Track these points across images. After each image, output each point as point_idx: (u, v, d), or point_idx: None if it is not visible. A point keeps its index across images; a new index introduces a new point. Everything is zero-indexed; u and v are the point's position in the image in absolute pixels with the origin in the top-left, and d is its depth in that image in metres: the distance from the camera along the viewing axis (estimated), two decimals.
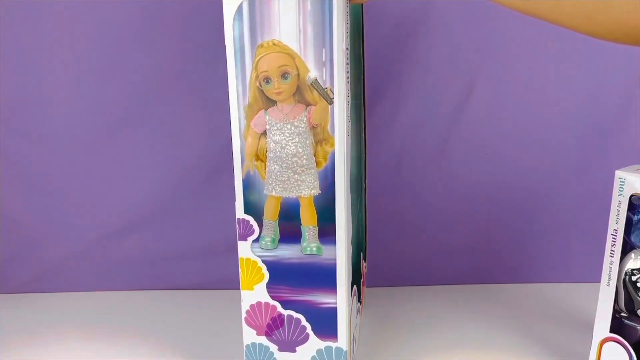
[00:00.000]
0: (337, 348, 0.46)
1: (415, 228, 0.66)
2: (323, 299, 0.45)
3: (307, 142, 0.41)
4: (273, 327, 0.46)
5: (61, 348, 0.54)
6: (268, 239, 0.44)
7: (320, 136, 0.41)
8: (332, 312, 0.45)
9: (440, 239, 0.66)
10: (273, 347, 0.47)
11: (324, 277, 0.44)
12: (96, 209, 0.65)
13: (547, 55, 0.61)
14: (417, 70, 0.61)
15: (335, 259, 0.44)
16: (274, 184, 0.42)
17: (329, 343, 0.46)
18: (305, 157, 0.42)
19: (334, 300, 0.45)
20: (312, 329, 0.46)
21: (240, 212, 0.44)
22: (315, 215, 0.43)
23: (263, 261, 0.45)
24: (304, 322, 0.46)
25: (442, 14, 0.60)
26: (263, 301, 0.46)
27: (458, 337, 0.55)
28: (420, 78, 0.62)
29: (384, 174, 0.64)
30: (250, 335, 0.47)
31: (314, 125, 0.41)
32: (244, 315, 0.46)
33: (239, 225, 0.44)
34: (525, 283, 0.67)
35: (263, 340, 0.47)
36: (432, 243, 0.67)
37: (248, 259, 0.45)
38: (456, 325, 0.58)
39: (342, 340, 0.46)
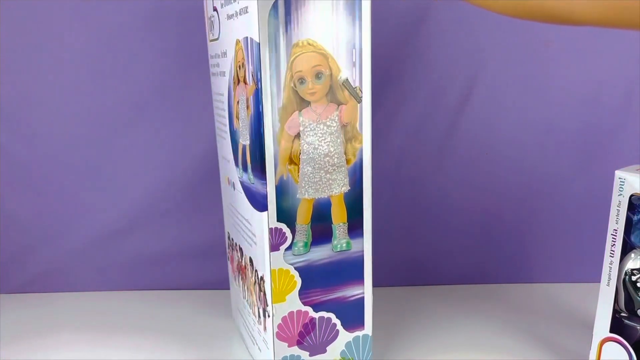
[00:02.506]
0: (364, 335, 0.47)
1: (414, 228, 0.66)
2: (352, 291, 0.45)
3: (338, 140, 0.42)
4: (304, 334, 0.45)
5: (61, 348, 0.54)
6: (301, 244, 0.43)
7: (350, 134, 0.42)
8: (360, 302, 0.46)
9: (440, 239, 0.67)
10: (304, 355, 0.45)
11: (353, 270, 0.45)
12: (96, 209, 0.65)
13: (547, 55, 0.61)
14: (417, 70, 0.61)
15: (362, 251, 0.44)
16: (306, 187, 0.42)
17: (357, 333, 0.47)
18: (336, 155, 0.42)
19: (361, 291, 0.45)
20: (341, 324, 0.46)
21: (273, 221, 0.41)
22: (345, 212, 0.43)
23: (295, 268, 0.43)
24: (334, 319, 0.46)
25: (442, 14, 0.60)
26: (295, 310, 0.44)
27: (457, 337, 0.55)
28: (420, 78, 0.62)
29: (383, 174, 0.64)
30: (281, 350, 0.45)
31: (345, 124, 0.41)
32: (275, 330, 0.44)
33: (272, 236, 0.42)
34: (525, 283, 0.67)
35: (294, 350, 0.45)
36: (432, 243, 0.67)
37: (280, 270, 0.43)
38: (455, 325, 0.58)
39: (368, 326, 0.47)
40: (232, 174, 0.48)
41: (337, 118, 0.41)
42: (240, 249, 0.49)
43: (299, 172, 0.41)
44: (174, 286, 0.67)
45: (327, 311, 0.45)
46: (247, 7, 0.38)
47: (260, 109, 0.39)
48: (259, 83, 0.39)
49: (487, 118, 0.63)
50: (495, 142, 0.63)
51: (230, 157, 0.48)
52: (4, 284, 0.67)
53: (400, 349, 0.53)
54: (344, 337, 0.46)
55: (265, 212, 0.41)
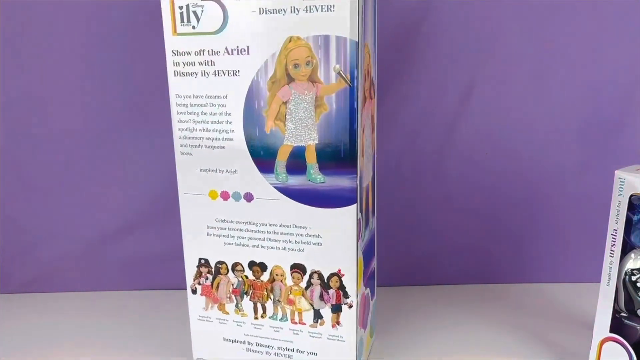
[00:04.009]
0: (374, 302, 0.52)
1: (414, 228, 0.66)
2: (373, 264, 0.50)
3: (369, 130, 0.45)
4: (364, 313, 0.46)
5: (61, 348, 0.54)
6: (364, 230, 0.45)
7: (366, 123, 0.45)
8: (374, 273, 0.50)
9: (440, 239, 0.66)
10: (363, 332, 0.47)
11: (373, 245, 0.50)
12: (96, 209, 0.65)
13: (547, 55, 0.61)
14: (417, 71, 0.61)
15: (375, 227, 0.50)
16: (365, 174, 0.44)
17: (373, 301, 0.51)
18: (367, 143, 0.45)
19: (374, 261, 0.51)
20: (370, 296, 0.49)
21: (358, 213, 0.42)
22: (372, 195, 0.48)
23: (362, 254, 0.45)
24: (369, 293, 0.49)
25: (442, 14, 0.60)
26: (362, 292, 0.45)
27: (457, 337, 0.55)
28: (420, 78, 0.62)
29: (383, 174, 0.64)
30: (358, 335, 0.45)
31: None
32: (358, 317, 0.44)
33: (358, 227, 0.42)
34: (525, 283, 0.67)
35: (360, 332, 0.46)
36: (432, 243, 0.67)
37: (360, 259, 0.44)
38: (455, 325, 0.58)
39: (375, 293, 0.52)
40: (244, 184, 0.45)
41: (368, 108, 0.45)
42: (260, 264, 0.46)
43: (364, 162, 0.43)
44: (174, 286, 0.67)
45: (367, 287, 0.48)
46: (332, 6, 0.38)
47: (355, 106, 0.39)
48: (355, 81, 0.39)
49: (487, 118, 0.63)
50: (495, 142, 0.63)
51: (246, 165, 0.44)
52: (4, 284, 0.67)
53: (400, 349, 0.53)
54: (371, 307, 0.50)
55: (354, 205, 0.41)
